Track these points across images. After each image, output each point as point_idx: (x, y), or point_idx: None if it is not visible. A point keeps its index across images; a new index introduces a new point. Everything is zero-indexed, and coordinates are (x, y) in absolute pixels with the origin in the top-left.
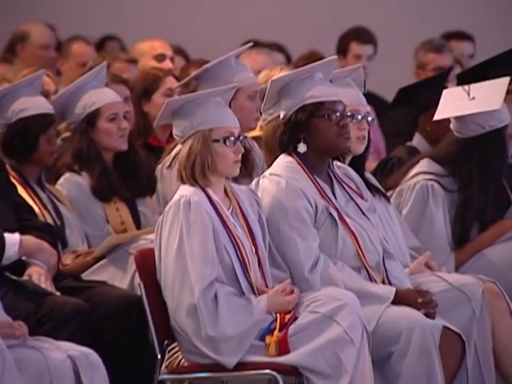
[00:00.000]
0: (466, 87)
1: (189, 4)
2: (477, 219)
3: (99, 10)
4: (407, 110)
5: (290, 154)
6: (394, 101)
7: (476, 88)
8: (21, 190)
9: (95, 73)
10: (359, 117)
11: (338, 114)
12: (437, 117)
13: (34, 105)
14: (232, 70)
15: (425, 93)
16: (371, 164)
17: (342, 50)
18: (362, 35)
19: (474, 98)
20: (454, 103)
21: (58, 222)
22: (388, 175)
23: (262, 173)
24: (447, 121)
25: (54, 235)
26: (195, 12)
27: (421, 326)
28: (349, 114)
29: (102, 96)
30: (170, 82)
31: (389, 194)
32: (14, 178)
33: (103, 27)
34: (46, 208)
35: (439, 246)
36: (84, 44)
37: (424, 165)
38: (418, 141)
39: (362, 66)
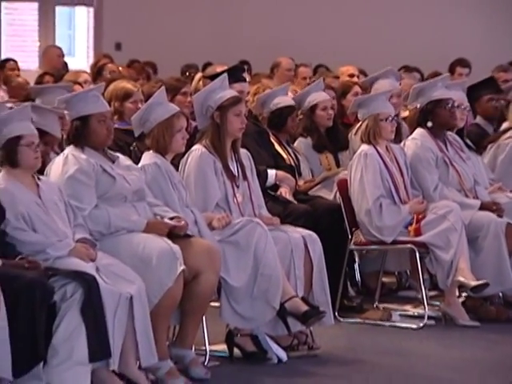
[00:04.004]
0: None
1: (366, 42)
2: None
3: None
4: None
5: (422, 128)
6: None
7: None
8: (277, 146)
9: (316, 84)
10: (462, 107)
11: (449, 105)
12: None
13: (284, 100)
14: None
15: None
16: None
17: (451, 70)
18: (462, 62)
19: None
20: None
21: (297, 163)
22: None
23: (406, 138)
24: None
25: (294, 170)
26: (370, 47)
27: (495, 221)
28: (457, 104)
29: (318, 96)
30: (356, 89)
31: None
32: (274, 140)
33: (317, 58)
34: (290, 155)
35: None
36: (306, 68)
37: None
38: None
39: (465, 81)
